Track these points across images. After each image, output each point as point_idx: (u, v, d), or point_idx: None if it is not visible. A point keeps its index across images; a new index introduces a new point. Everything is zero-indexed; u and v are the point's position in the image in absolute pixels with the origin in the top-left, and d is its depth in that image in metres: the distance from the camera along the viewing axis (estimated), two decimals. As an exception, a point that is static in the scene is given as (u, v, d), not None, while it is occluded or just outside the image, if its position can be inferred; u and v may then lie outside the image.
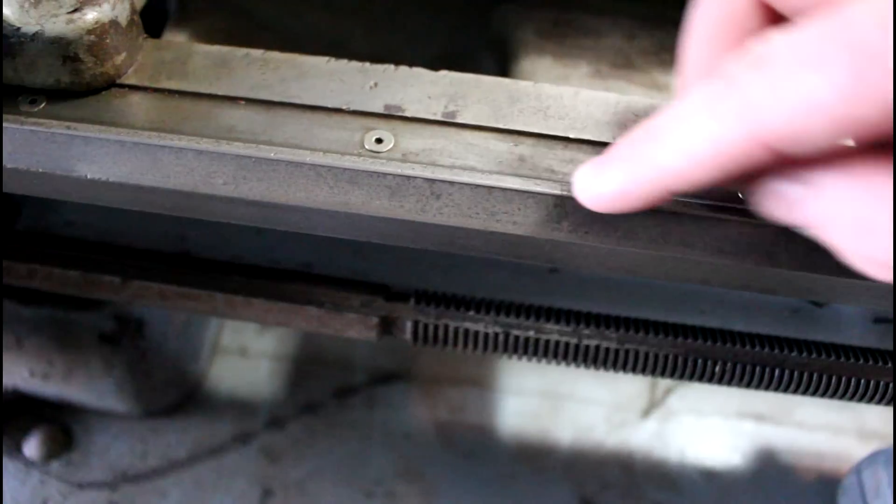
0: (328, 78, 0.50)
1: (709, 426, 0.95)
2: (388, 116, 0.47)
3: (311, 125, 0.47)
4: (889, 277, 0.27)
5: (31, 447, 0.89)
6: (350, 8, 0.70)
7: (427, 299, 0.54)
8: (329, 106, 0.48)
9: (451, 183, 0.43)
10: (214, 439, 0.88)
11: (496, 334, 0.54)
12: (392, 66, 0.50)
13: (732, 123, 0.26)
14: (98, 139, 0.45)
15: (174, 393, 0.90)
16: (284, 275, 0.55)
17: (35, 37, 0.45)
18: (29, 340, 0.85)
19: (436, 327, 0.55)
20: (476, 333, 0.54)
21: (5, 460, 0.89)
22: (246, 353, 0.95)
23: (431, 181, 0.43)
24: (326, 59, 0.50)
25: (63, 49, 0.45)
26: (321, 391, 0.91)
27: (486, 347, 0.55)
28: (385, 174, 0.43)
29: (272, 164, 0.45)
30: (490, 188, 0.43)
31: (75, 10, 0.45)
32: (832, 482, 0.89)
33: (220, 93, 0.48)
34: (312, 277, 0.55)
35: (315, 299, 0.54)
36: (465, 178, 0.43)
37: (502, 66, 0.70)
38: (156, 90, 0.49)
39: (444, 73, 0.49)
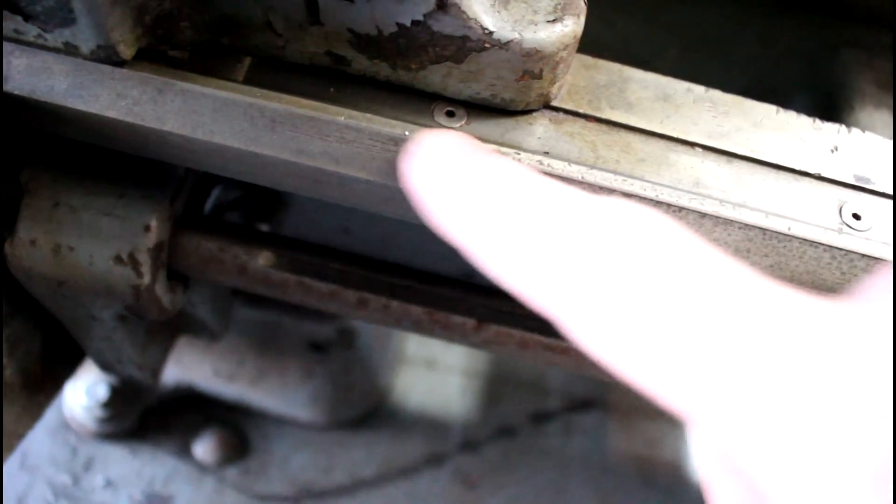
0: (783, 131, 0.44)
1: None
2: (860, 189, 0.42)
3: (780, 189, 0.42)
4: None
5: (204, 449, 0.82)
6: (670, 23, 0.64)
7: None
8: (795, 168, 0.43)
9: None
10: (405, 458, 0.82)
11: None
12: (843, 127, 0.45)
13: None
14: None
15: (363, 405, 0.84)
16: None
17: (506, 45, 0.37)
18: (223, 340, 0.78)
19: None
20: None
21: (176, 461, 0.82)
22: (434, 366, 0.88)
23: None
24: (775, 108, 0.45)
25: (530, 63, 0.38)
26: (516, 414, 0.86)
27: None
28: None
29: (782, 240, 0.39)
30: None
31: (555, 21, 0.38)
32: None
33: (672, 134, 0.43)
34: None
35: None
36: None
37: (824, 110, 0.65)
38: (598, 120, 0.42)
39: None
